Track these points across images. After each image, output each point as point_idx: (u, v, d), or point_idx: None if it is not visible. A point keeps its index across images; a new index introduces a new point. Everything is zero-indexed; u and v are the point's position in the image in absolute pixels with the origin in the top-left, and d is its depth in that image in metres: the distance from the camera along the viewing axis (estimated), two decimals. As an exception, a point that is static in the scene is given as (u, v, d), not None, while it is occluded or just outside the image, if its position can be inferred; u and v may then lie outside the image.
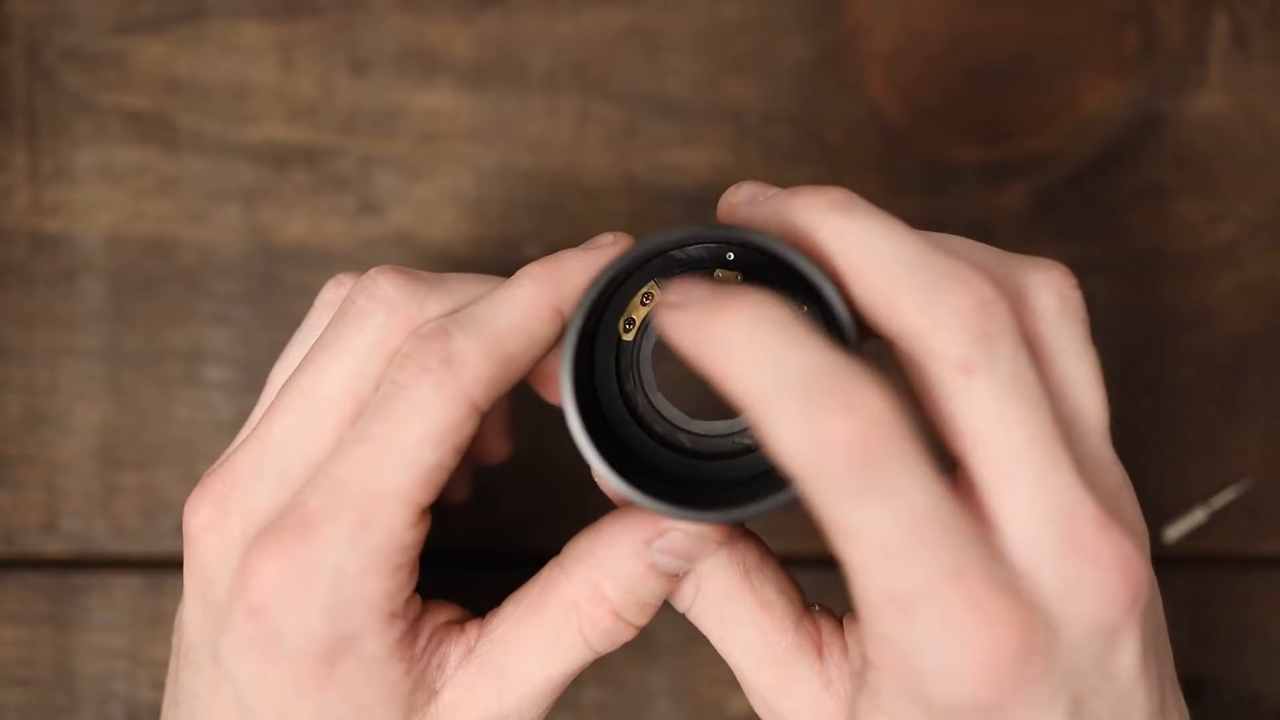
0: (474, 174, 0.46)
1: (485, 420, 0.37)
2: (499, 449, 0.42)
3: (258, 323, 0.45)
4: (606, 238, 0.33)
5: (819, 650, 0.32)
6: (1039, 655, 0.27)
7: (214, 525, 0.32)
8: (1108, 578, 0.28)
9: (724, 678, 0.45)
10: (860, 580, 0.27)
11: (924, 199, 0.45)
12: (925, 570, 0.26)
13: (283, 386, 0.32)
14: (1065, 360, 0.30)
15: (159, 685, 0.44)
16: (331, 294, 0.35)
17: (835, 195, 0.29)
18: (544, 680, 0.33)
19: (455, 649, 0.33)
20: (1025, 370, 0.28)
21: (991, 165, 0.46)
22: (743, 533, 0.33)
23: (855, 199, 0.29)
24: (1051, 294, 0.30)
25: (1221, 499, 0.45)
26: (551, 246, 0.45)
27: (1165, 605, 0.32)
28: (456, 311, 0.32)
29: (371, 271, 0.32)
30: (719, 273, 0.33)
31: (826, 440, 0.26)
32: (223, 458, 0.34)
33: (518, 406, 0.44)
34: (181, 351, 0.45)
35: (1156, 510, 0.45)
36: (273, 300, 0.45)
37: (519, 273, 0.32)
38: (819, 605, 0.33)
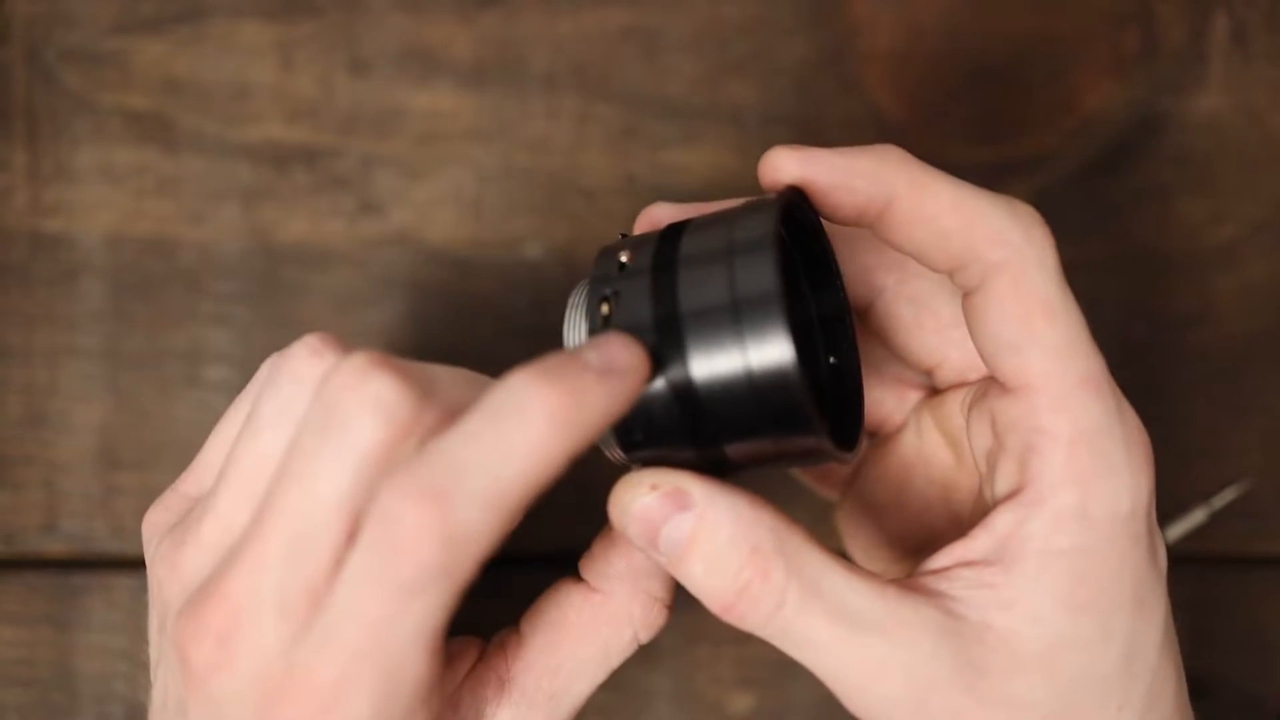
0: (474, 174, 0.46)
1: None
2: None
3: (258, 323, 0.45)
4: (621, 356, 0.28)
5: (913, 588, 0.30)
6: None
7: (224, 665, 0.29)
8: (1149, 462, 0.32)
9: (724, 678, 0.45)
10: (1058, 367, 0.30)
11: (924, 199, 0.45)
12: (1100, 360, 0.31)
13: (268, 498, 0.29)
14: None
15: (159, 685, 0.44)
16: (307, 368, 0.30)
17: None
18: (590, 690, 0.33)
19: (487, 687, 0.32)
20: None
21: (991, 165, 0.46)
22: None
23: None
24: None
25: (1222, 499, 0.45)
26: (551, 247, 0.45)
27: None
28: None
29: (356, 361, 0.28)
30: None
31: (1036, 221, 0.32)
32: (192, 524, 0.31)
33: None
34: (181, 352, 0.45)
35: (1156, 510, 0.45)
36: (273, 300, 0.45)
37: (525, 392, 0.27)
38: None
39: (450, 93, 0.46)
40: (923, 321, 0.35)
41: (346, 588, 0.27)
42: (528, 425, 0.26)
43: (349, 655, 0.27)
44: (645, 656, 0.45)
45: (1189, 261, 0.46)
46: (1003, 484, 0.31)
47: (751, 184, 0.46)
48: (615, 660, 0.33)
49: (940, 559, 0.31)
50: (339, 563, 0.28)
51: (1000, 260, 0.30)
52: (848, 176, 0.31)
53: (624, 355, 0.28)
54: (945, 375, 0.35)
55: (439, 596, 0.27)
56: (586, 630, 0.33)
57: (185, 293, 0.45)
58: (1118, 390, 0.31)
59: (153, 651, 0.32)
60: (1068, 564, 0.30)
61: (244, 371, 0.45)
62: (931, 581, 0.31)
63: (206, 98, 0.46)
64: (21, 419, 0.45)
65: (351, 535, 0.28)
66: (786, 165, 0.31)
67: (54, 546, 0.45)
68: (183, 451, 0.45)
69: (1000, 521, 0.30)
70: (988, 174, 0.46)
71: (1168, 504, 0.45)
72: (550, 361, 0.27)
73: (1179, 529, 0.45)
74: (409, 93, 0.46)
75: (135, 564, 0.45)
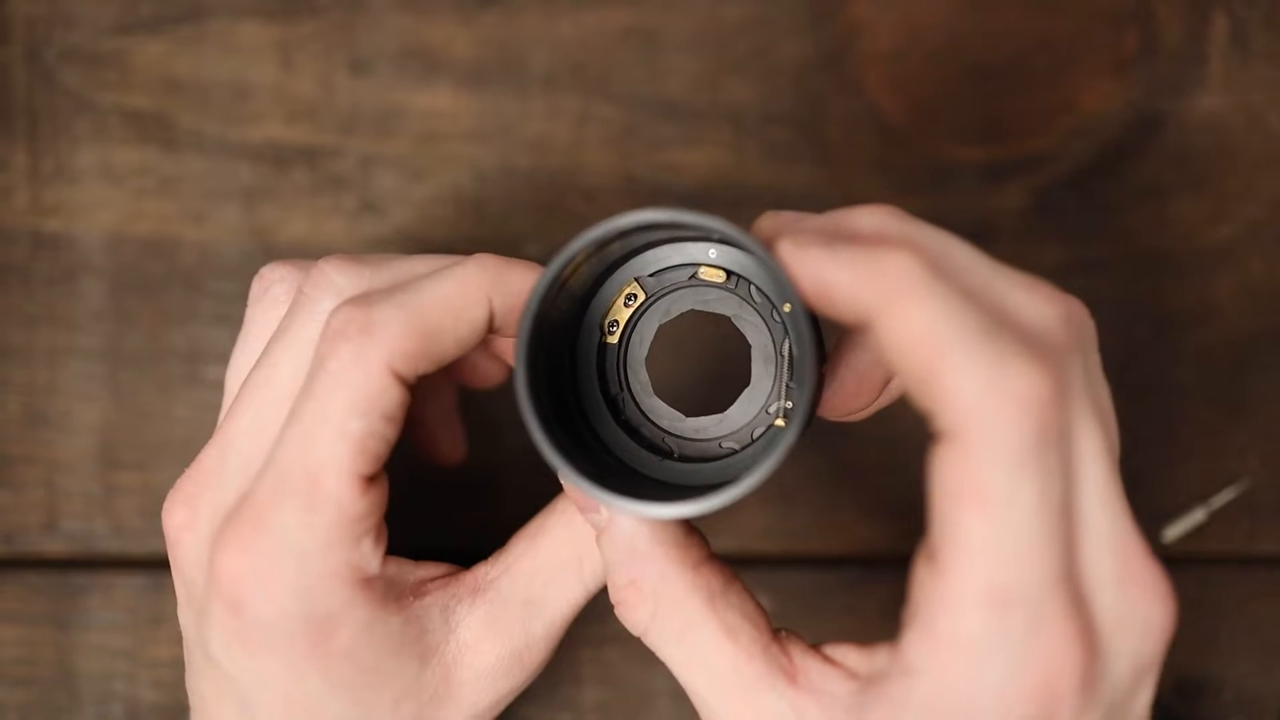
0: (474, 174, 0.46)
1: (433, 419, 0.39)
2: (452, 451, 0.42)
3: (258, 323, 0.45)
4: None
5: (791, 676, 0.30)
6: (1091, 685, 0.27)
7: (187, 525, 0.32)
8: (1156, 613, 0.28)
9: (724, 677, 0.45)
10: (967, 564, 0.26)
11: (924, 199, 0.45)
12: (1043, 568, 0.26)
13: (244, 382, 0.33)
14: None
15: (159, 685, 0.44)
16: (257, 289, 0.35)
17: (905, 249, 0.27)
18: (568, 605, 0.33)
19: (461, 588, 0.33)
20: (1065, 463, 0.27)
21: (991, 165, 0.46)
22: (707, 556, 0.32)
23: (921, 247, 0.27)
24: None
25: (1221, 499, 0.45)
26: (552, 247, 0.45)
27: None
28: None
29: (320, 261, 0.33)
30: (703, 270, 0.33)
31: (1017, 393, 0.25)
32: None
33: (512, 405, 0.44)
34: (182, 351, 0.45)
35: (1156, 510, 0.45)
36: (273, 300, 0.45)
37: (470, 257, 0.32)
38: (785, 630, 0.31)
39: (450, 93, 0.46)
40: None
41: (283, 428, 0.31)
42: (456, 266, 0.31)
43: (278, 476, 0.30)
44: (644, 655, 0.45)
45: (1188, 262, 0.46)
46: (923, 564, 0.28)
47: (750, 183, 0.46)
48: (590, 578, 0.33)
49: (837, 651, 0.30)
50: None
51: (950, 428, 0.26)
52: (826, 288, 0.27)
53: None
54: None
55: (352, 404, 0.30)
56: (562, 532, 0.34)
57: (185, 292, 0.45)
58: (1052, 599, 0.26)
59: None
60: None
61: (244, 371, 0.45)
62: (814, 667, 0.30)
63: (207, 98, 0.46)
64: (22, 418, 0.45)
65: None
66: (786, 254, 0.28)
67: (54, 546, 0.45)
68: (183, 451, 0.45)
69: (890, 655, 0.28)
70: (988, 174, 0.46)
71: (1168, 504, 0.45)
72: None
73: (1179, 529, 0.45)
74: (409, 93, 0.46)
75: (136, 564, 0.45)
